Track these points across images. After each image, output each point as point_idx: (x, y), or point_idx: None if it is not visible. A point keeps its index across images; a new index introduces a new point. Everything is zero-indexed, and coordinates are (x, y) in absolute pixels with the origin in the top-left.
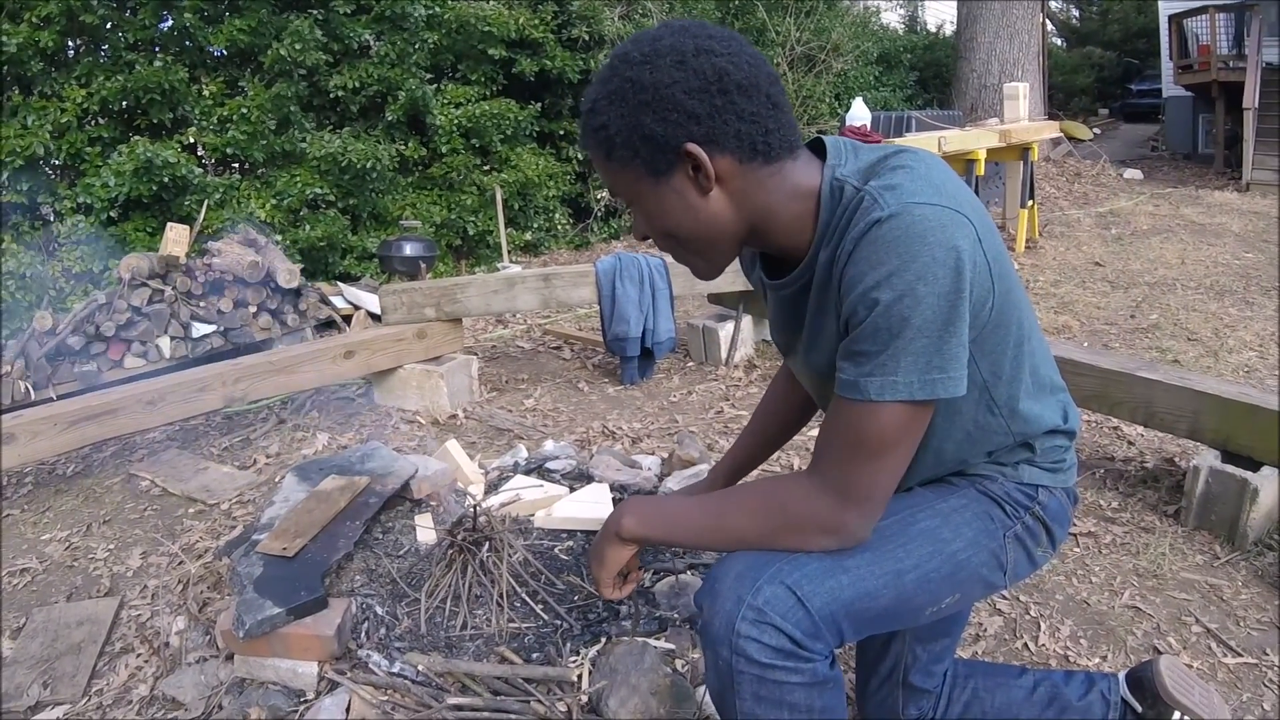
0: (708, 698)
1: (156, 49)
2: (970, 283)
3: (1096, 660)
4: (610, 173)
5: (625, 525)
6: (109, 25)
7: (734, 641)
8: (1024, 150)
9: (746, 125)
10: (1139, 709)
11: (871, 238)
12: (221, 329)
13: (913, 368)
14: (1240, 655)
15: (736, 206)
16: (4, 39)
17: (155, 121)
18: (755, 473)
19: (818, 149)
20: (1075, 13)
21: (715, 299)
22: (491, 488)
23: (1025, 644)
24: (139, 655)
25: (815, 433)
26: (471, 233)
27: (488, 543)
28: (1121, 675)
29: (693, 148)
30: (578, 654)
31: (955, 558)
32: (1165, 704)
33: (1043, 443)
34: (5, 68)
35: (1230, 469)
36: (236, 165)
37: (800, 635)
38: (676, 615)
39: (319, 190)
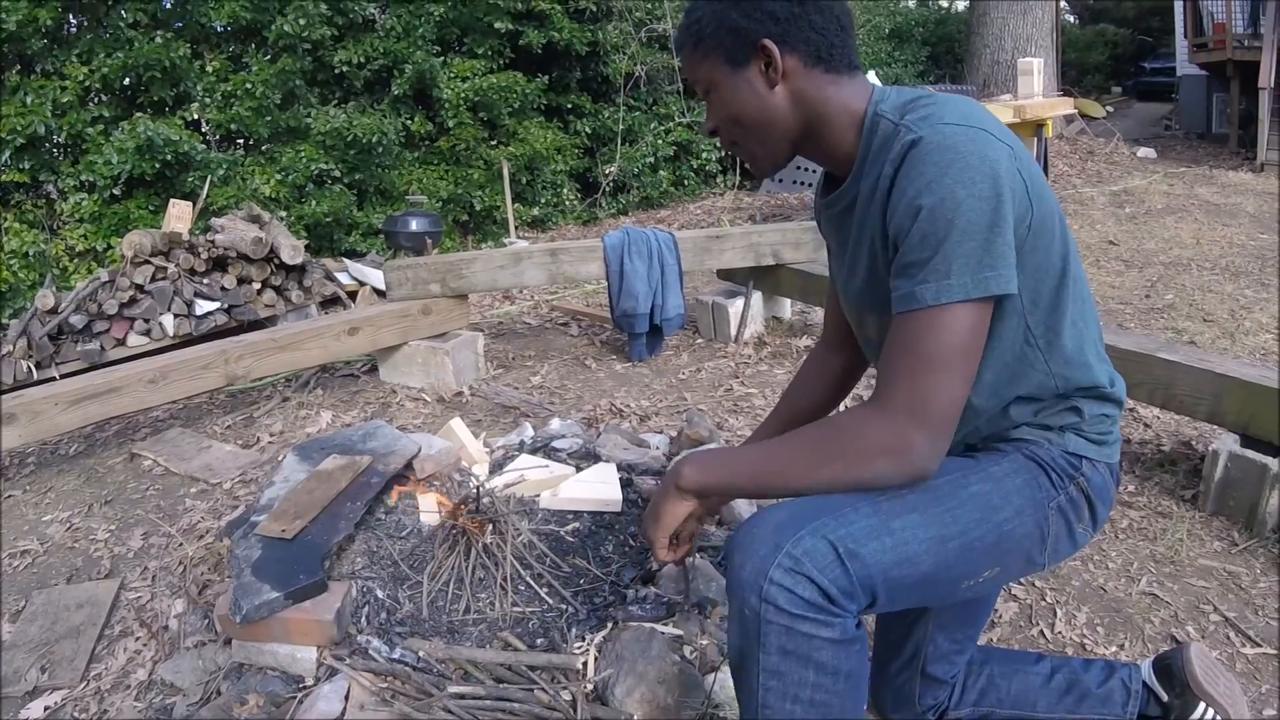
0: (717, 686)
1: (157, 25)
2: (1010, 189)
3: (1114, 648)
4: (695, 62)
5: (685, 475)
6: (110, 1)
7: (764, 588)
8: (1038, 127)
9: (816, 35)
10: (1164, 697)
11: (910, 159)
12: (225, 306)
13: (965, 269)
14: (1259, 645)
15: (795, 104)
16: (3, 15)
17: (157, 99)
18: None
19: None
20: None
21: (725, 275)
22: (496, 467)
23: (1041, 631)
24: (138, 639)
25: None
26: (478, 208)
27: (492, 524)
28: (1146, 662)
29: (768, 43)
30: (583, 640)
31: (1001, 528)
32: (1193, 693)
33: (1091, 408)
34: (5, 45)
35: (1250, 454)
36: (241, 141)
37: (835, 592)
38: (684, 600)
39: (324, 166)
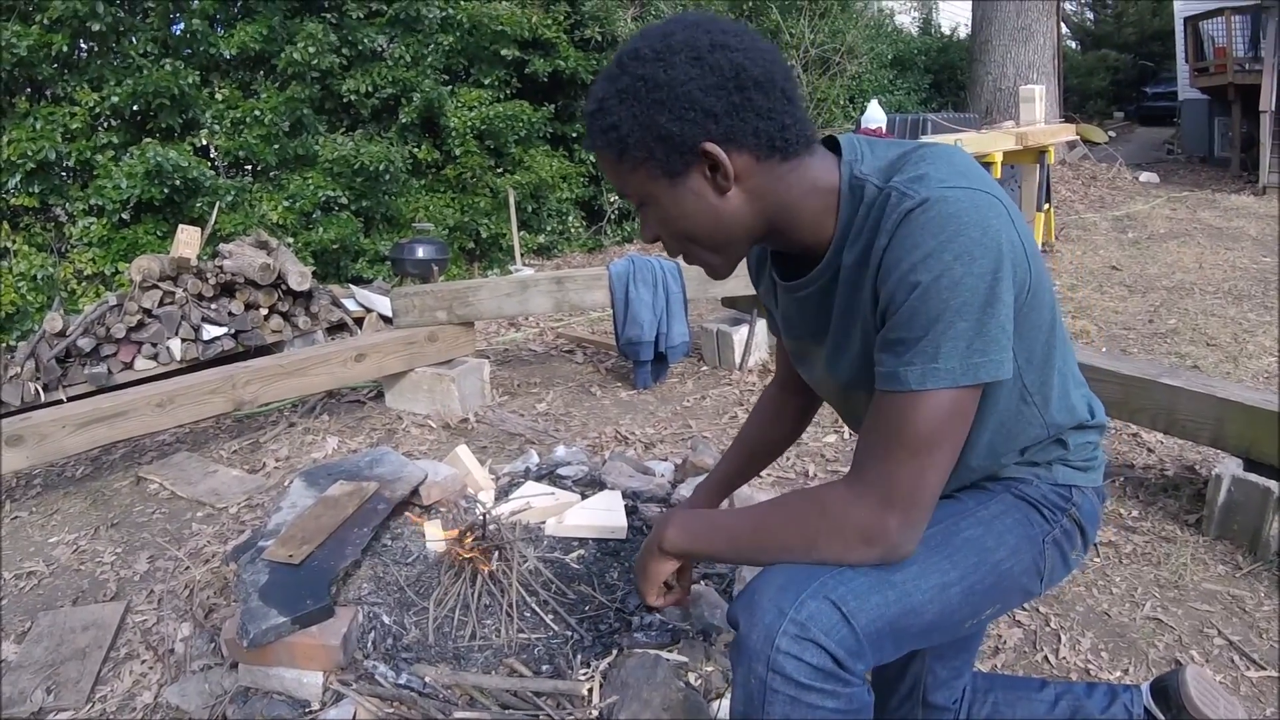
0: (722, 712)
1: (168, 53)
2: (1012, 262)
3: (1118, 673)
4: (621, 174)
5: (667, 537)
6: (120, 29)
7: (772, 657)
8: (1040, 153)
9: (764, 122)
10: (1162, 719)
11: (907, 224)
12: (232, 331)
13: (954, 353)
14: (1264, 668)
15: (755, 204)
16: (15, 40)
17: (166, 125)
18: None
19: (831, 146)
20: (1090, 15)
21: (729, 302)
22: (502, 494)
23: (1046, 657)
24: (144, 662)
25: (826, 439)
26: (484, 235)
27: (497, 551)
28: (1145, 685)
29: (711, 147)
30: (588, 666)
31: (998, 568)
32: (1190, 715)
33: (1075, 439)
34: (16, 70)
35: (1253, 478)
36: (249, 168)
37: (843, 654)
38: (689, 627)
39: (331, 193)
